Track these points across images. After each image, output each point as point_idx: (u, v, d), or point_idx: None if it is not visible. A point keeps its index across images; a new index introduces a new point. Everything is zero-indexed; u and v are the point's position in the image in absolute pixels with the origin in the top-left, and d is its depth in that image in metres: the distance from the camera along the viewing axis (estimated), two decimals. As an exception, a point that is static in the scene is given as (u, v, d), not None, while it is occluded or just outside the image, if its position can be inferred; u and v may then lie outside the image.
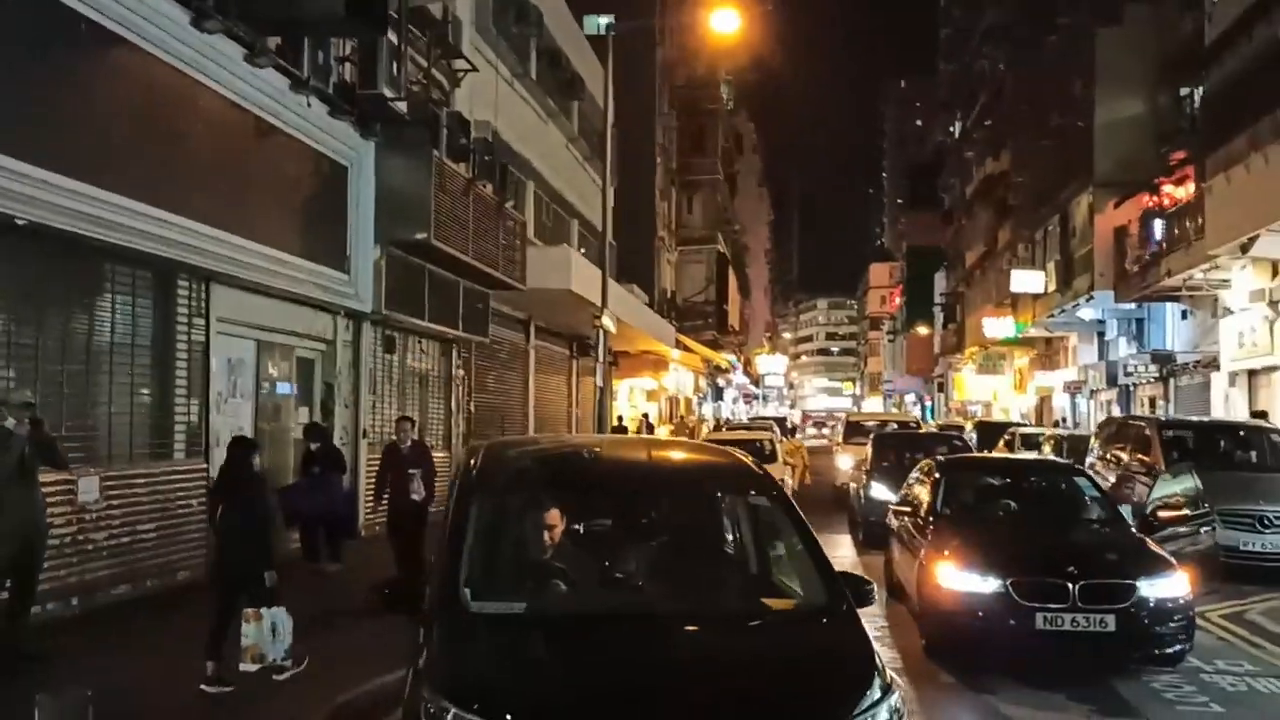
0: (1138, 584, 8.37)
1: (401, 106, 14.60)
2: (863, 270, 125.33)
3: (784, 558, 5.48)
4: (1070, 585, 8.20)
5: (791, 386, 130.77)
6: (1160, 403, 29.36)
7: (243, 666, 7.38)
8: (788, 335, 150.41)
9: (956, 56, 63.68)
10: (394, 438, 12.26)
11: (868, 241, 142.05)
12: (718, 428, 40.89)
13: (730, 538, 5.95)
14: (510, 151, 20.82)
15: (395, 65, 14.17)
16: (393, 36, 13.98)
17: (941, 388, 68.37)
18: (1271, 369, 22.16)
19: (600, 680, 4.16)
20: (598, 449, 6.40)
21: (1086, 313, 33.50)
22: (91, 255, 9.92)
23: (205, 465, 11.61)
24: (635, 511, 5.77)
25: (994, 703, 7.84)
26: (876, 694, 4.19)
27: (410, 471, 11.23)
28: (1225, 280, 23.60)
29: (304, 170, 13.47)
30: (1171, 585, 8.49)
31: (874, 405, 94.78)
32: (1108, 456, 16.90)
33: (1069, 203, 34.87)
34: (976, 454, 18.57)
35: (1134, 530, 9.91)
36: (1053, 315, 36.26)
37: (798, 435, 50.17)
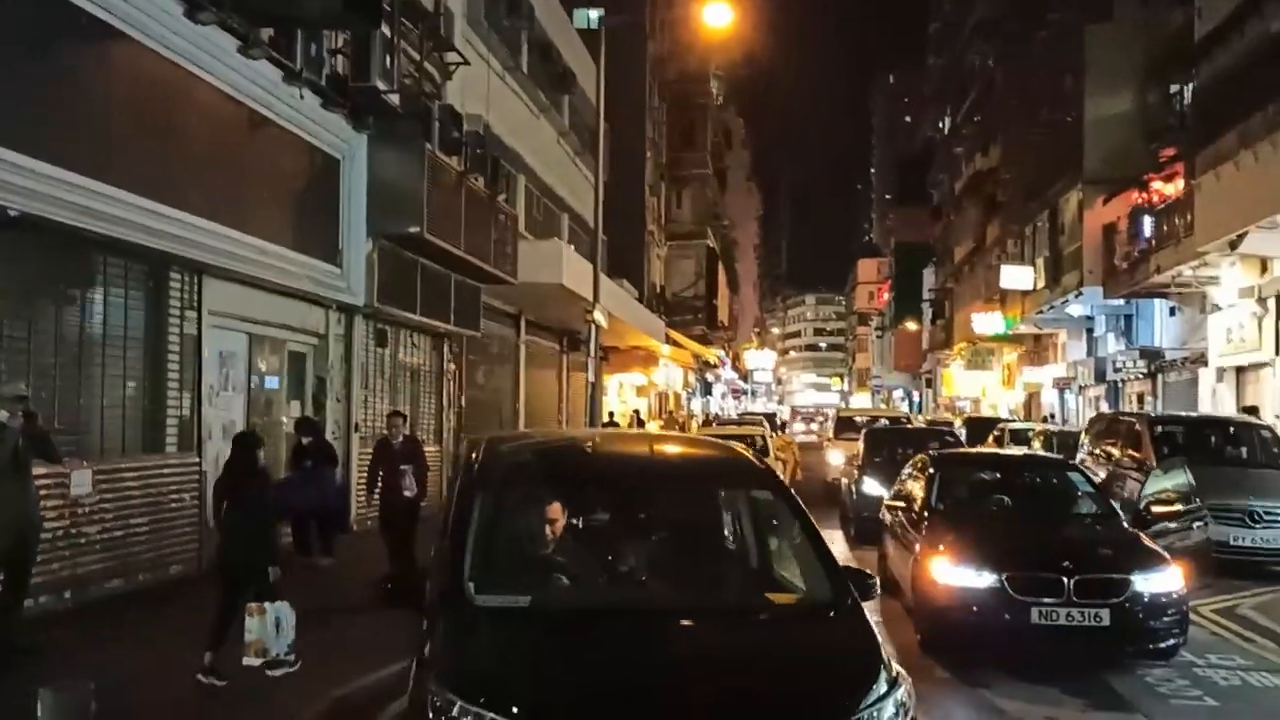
0: (1132, 579, 8.42)
1: (394, 99, 14.54)
2: (851, 266, 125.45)
3: (786, 552, 5.48)
4: (1065, 580, 8.25)
5: (780, 382, 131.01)
6: (1148, 399, 29.49)
7: (246, 660, 7.36)
8: (776, 331, 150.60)
9: (946, 51, 63.78)
10: (386, 433, 12.22)
11: (856, 237, 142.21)
12: (707, 423, 40.92)
13: (732, 532, 5.95)
14: (502, 145, 20.77)
15: (388, 58, 14.10)
16: (386, 29, 13.93)
17: (930, 383, 68.57)
18: (1260, 365, 22.27)
19: (607, 675, 4.15)
20: (600, 444, 6.39)
21: (1075, 309, 33.64)
22: (84, 247, 9.85)
23: (197, 459, 11.57)
24: (638, 506, 5.76)
25: (989, 697, 7.87)
26: (883, 687, 4.20)
27: (402, 468, 11.18)
28: (1214, 277, 23.71)
29: (297, 163, 13.41)
30: (1165, 580, 8.54)
31: (862, 401, 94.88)
32: (1098, 452, 16.96)
33: (1058, 199, 34.98)
34: (970, 449, 18.57)
35: (1127, 525, 9.95)
36: (1041, 311, 36.39)
37: (786, 431, 50.22)
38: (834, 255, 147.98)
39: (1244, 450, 15.18)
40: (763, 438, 21.89)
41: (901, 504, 10.99)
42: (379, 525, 11.59)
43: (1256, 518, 12.93)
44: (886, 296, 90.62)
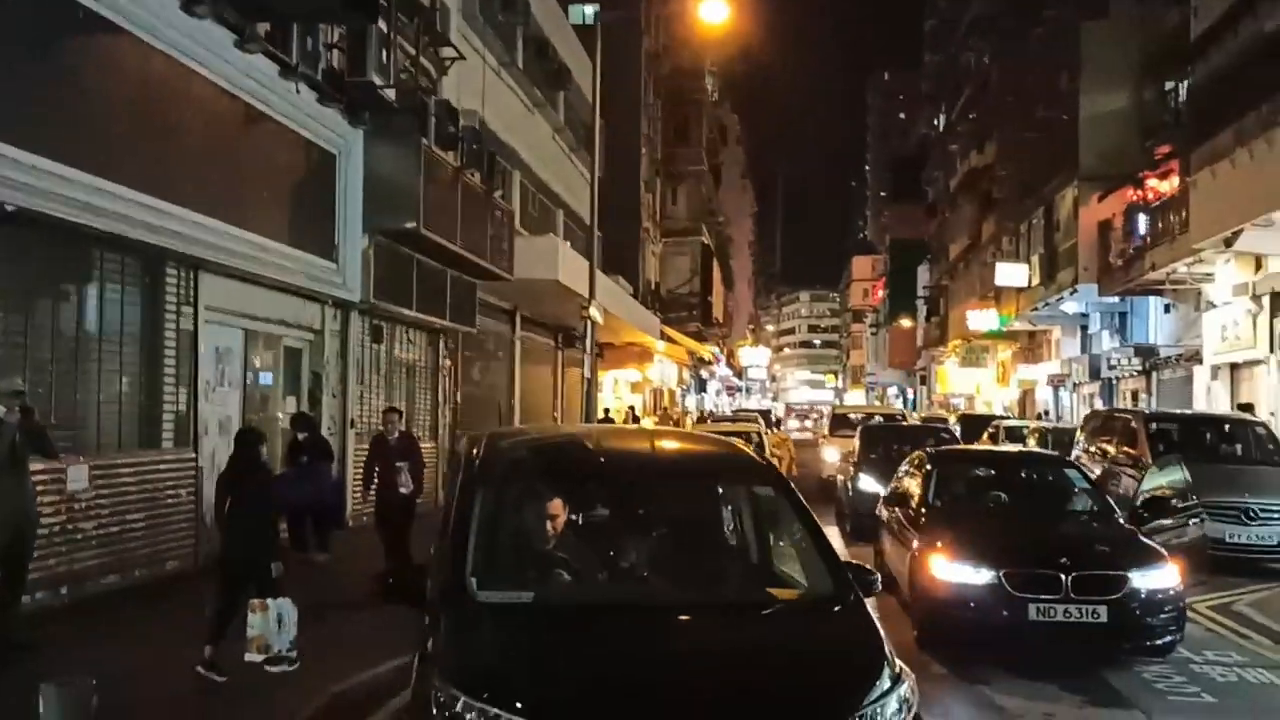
0: (1129, 575, 8.43)
1: (390, 94, 14.51)
2: (846, 263, 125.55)
3: (787, 547, 5.48)
4: (1063, 576, 8.26)
5: (774, 379, 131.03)
6: (1143, 396, 29.55)
7: (248, 656, 7.35)
8: (770, 327, 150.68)
9: (942, 48, 63.80)
10: (381, 429, 12.21)
11: (851, 234, 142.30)
12: (701, 420, 40.90)
13: (734, 527, 5.94)
14: (497, 141, 20.74)
15: (384, 52, 14.07)
16: (382, 24, 13.89)
17: (924, 381, 68.61)
18: (1254, 363, 22.32)
19: (612, 670, 4.15)
20: (602, 439, 6.38)
21: (1070, 306, 33.66)
22: (80, 242, 9.82)
23: (194, 454, 11.55)
24: (640, 501, 5.75)
25: (988, 693, 7.87)
26: (886, 683, 4.20)
27: (398, 464, 11.17)
28: (1209, 274, 23.74)
29: (293, 158, 13.38)
30: (1162, 577, 8.56)
31: (856, 398, 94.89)
32: (1093, 449, 16.98)
33: (1053, 196, 35.02)
34: (968, 446, 18.57)
35: (1124, 522, 9.96)
36: (1036, 308, 36.43)
37: (781, 428, 50.23)
38: (829, 252, 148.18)
39: (1239, 447, 15.23)
40: (758, 434, 21.88)
41: (898, 501, 11.00)
42: (374, 521, 11.59)
43: (1252, 515, 12.97)
44: (881, 293, 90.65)
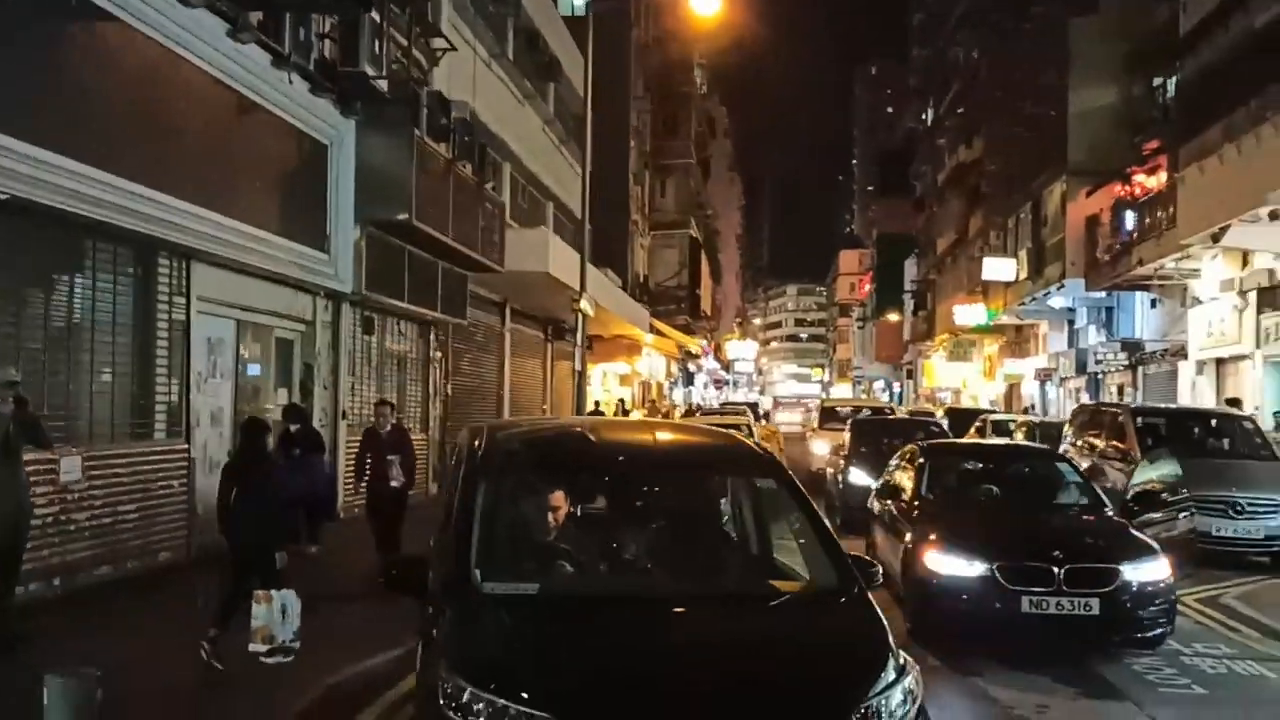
0: (1121, 568, 8.48)
1: (382, 85, 14.46)
2: (833, 257, 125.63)
3: (789, 539, 5.50)
4: (1056, 569, 8.30)
5: (761, 372, 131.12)
6: (1128, 391, 29.69)
7: (252, 647, 7.33)
8: (757, 321, 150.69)
9: (930, 42, 63.90)
10: (373, 421, 12.18)
11: (838, 228, 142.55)
12: (690, 413, 40.94)
13: (736, 519, 5.96)
14: (488, 133, 20.69)
15: (377, 43, 14.03)
16: (374, 14, 13.84)
17: (911, 375, 68.77)
18: (1239, 358, 22.47)
19: (617, 662, 4.16)
20: (604, 431, 6.39)
21: (1057, 301, 33.81)
22: (72, 232, 9.77)
23: (186, 445, 11.52)
24: (643, 494, 5.76)
25: (980, 685, 7.92)
26: (891, 675, 4.21)
27: (390, 457, 11.16)
28: (1196, 270, 23.88)
29: (285, 148, 13.32)
30: (1154, 569, 8.61)
31: (843, 392, 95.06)
32: (1080, 443, 17.04)
33: (1041, 191, 35.14)
34: (960, 440, 18.64)
35: (1115, 515, 10.02)
36: (1023, 303, 36.57)
37: (770, 421, 50.29)
38: (816, 246, 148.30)
39: (1226, 442, 15.31)
40: (747, 427, 21.93)
41: (891, 494, 11.03)
42: (366, 513, 11.57)
43: (1239, 508, 13.06)
44: (868, 287, 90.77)
